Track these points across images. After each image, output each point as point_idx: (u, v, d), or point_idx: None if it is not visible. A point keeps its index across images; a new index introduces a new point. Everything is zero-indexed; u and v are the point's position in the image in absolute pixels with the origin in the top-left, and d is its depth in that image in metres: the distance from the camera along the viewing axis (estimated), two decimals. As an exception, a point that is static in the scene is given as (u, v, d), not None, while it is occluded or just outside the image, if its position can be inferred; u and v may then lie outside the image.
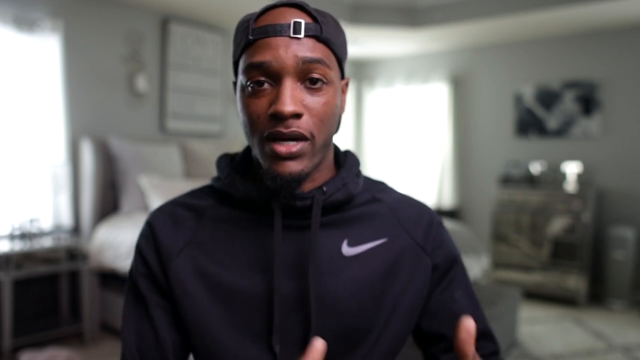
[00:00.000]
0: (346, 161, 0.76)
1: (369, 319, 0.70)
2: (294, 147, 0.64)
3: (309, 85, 0.65)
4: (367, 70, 5.67)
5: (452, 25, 4.15)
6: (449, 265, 0.78)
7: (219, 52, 4.23)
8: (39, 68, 3.11)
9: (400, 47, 5.04)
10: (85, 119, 3.40)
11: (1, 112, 2.99)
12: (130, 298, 0.75)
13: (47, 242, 2.93)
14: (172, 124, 3.93)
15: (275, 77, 0.64)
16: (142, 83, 3.66)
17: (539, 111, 4.49)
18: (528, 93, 4.54)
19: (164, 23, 3.86)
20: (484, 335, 0.79)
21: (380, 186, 0.80)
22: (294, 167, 0.64)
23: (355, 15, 4.20)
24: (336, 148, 0.79)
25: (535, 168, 4.35)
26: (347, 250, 0.71)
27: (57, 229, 3.14)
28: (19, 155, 3.05)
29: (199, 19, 4.07)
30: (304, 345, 0.68)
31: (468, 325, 0.50)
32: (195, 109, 4.10)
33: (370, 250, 0.72)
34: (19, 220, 2.95)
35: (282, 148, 0.63)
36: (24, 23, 3.04)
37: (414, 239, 0.75)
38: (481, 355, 0.76)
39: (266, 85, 0.64)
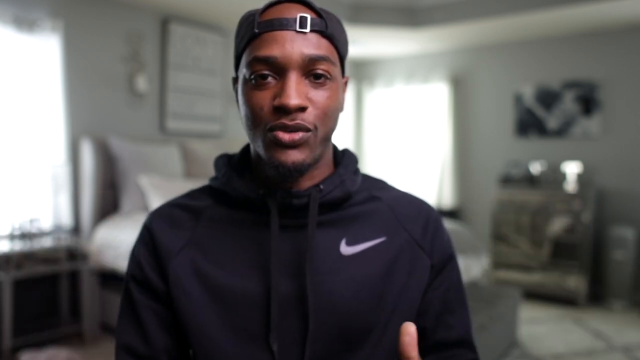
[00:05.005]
0: (344, 159, 0.76)
1: (368, 319, 0.69)
2: (296, 135, 0.64)
3: (313, 80, 0.65)
4: (367, 70, 5.66)
5: (452, 25, 4.15)
6: (443, 264, 0.76)
7: (219, 52, 4.23)
8: (39, 68, 3.11)
9: (400, 47, 5.04)
10: (85, 119, 3.40)
11: (1, 112, 2.99)
12: (124, 302, 0.75)
13: (47, 242, 2.92)
14: (172, 124, 3.93)
15: (280, 70, 0.64)
16: (142, 83, 3.66)
17: (539, 111, 4.49)
18: (528, 93, 4.54)
19: (164, 23, 3.86)
20: (463, 343, 0.76)
21: (380, 184, 0.80)
22: (296, 155, 0.64)
23: (355, 15, 4.20)
24: (334, 147, 0.79)
25: (535, 168, 4.35)
26: (345, 249, 0.71)
27: (57, 229, 3.13)
28: (19, 155, 3.05)
29: (199, 19, 4.07)
30: (302, 344, 0.67)
31: (409, 328, 0.51)
32: (195, 109, 4.10)
33: (369, 249, 0.72)
34: (19, 220, 2.95)
35: (285, 136, 0.63)
36: (24, 23, 3.04)
37: (413, 237, 0.75)
38: None
39: (270, 79, 0.64)
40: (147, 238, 0.74)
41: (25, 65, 3.07)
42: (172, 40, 3.89)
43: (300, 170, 0.65)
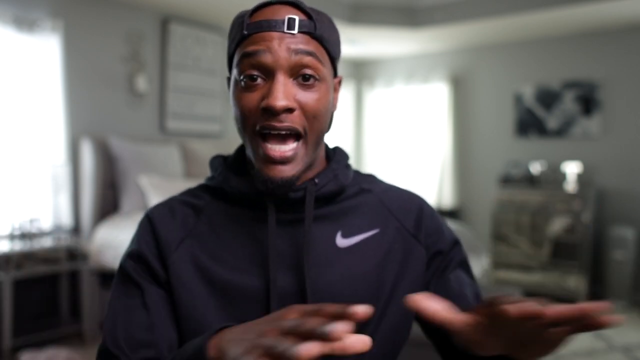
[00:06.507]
0: (335, 155, 0.78)
1: None
2: (288, 151, 0.65)
3: (301, 81, 0.65)
4: (367, 70, 5.66)
5: (452, 25, 4.15)
6: (451, 248, 0.79)
7: (219, 52, 4.23)
8: (39, 68, 3.11)
9: (400, 47, 5.04)
10: (85, 119, 3.40)
11: (1, 112, 2.99)
12: (121, 289, 0.72)
13: (47, 242, 2.93)
14: (172, 124, 3.93)
15: (268, 72, 0.64)
16: (142, 83, 3.66)
17: (539, 111, 4.49)
18: (528, 93, 4.54)
19: (164, 23, 3.86)
20: None
21: (369, 178, 0.81)
22: (286, 171, 0.65)
23: (355, 15, 4.20)
24: (326, 145, 0.80)
25: (535, 168, 4.35)
26: (341, 241, 0.72)
27: (57, 229, 3.13)
28: (19, 155, 3.05)
29: (199, 19, 4.07)
30: None
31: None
32: (195, 109, 4.10)
33: (363, 241, 0.73)
34: (19, 220, 2.95)
35: (276, 153, 0.64)
36: (24, 23, 3.04)
37: (406, 228, 0.76)
38: None
39: (259, 80, 0.65)
40: (148, 228, 0.74)
41: (25, 65, 3.06)
42: (172, 40, 3.88)
43: (289, 185, 0.66)
